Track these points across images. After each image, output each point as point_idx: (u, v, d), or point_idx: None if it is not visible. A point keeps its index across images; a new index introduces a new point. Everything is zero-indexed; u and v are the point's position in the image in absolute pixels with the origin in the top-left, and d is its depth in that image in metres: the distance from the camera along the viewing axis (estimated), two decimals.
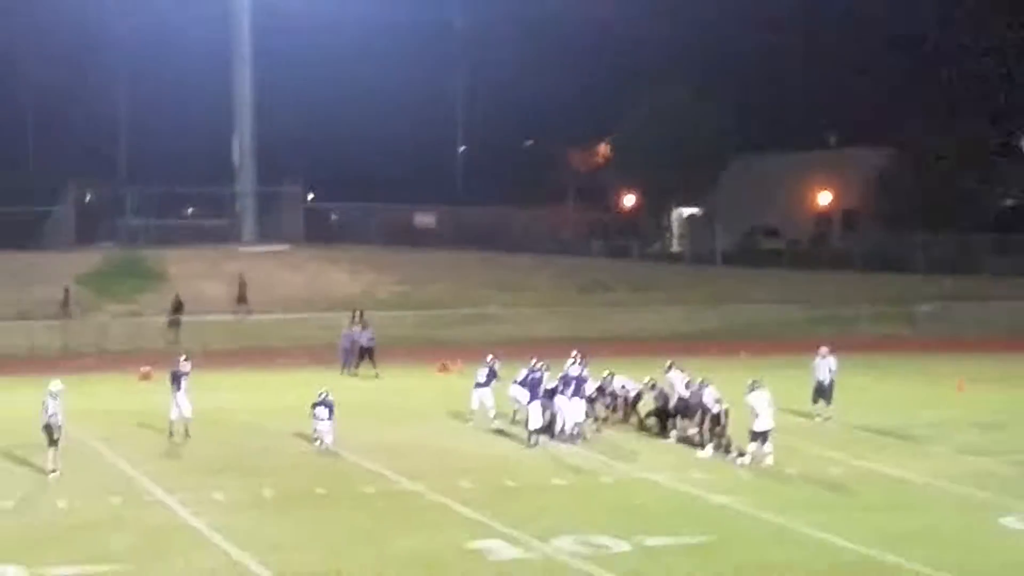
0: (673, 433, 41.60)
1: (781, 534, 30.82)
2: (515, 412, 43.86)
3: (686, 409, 41.03)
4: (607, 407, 44.83)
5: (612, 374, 45.72)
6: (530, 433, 41.04)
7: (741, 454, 38.34)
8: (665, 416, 42.25)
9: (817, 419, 45.22)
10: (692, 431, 40.65)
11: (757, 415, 37.77)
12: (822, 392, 45.74)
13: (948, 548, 29.14)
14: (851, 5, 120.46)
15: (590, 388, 43.76)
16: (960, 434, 43.19)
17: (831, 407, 45.54)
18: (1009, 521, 31.70)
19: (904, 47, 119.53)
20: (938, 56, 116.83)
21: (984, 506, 33.28)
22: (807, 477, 36.72)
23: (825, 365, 45.88)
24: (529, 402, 41.57)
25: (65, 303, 75.20)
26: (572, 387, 42.41)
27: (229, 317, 74.71)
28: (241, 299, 77.12)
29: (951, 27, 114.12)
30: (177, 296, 74.02)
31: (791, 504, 33.48)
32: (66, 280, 77.78)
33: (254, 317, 74.57)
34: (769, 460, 37.75)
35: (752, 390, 38.26)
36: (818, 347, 47.29)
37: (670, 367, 43.32)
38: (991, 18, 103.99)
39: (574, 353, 46.13)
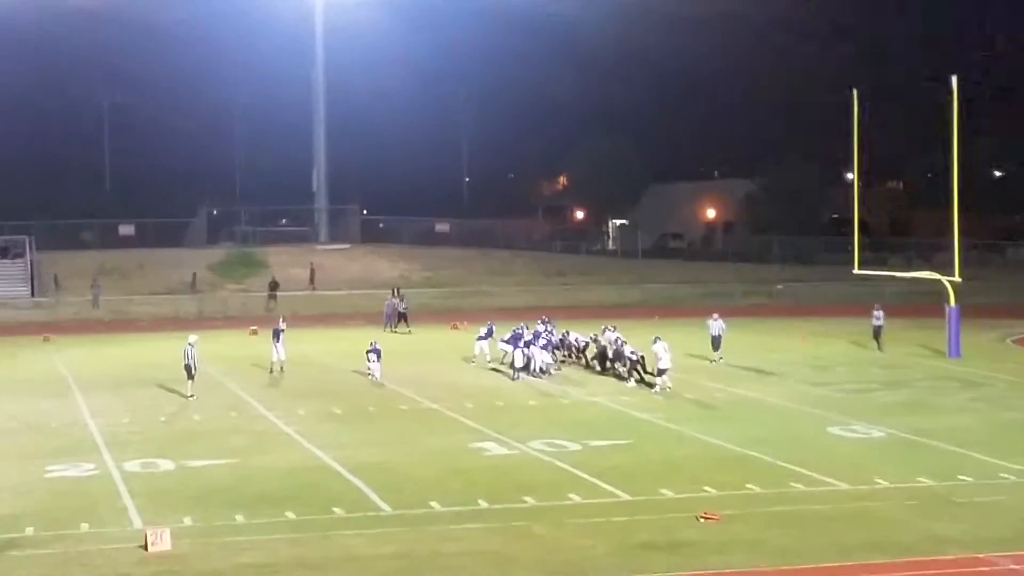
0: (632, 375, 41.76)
1: (681, 438, 30.98)
2: (503, 357, 43.90)
3: (618, 356, 41.19)
4: (565, 353, 45.02)
5: (568, 331, 45.93)
6: (514, 371, 41.17)
7: (651, 386, 38.48)
8: (604, 360, 42.35)
9: (712, 362, 45.20)
10: (622, 370, 40.75)
11: (660, 358, 37.94)
12: (715, 343, 45.76)
13: (792, 447, 29.28)
14: (730, 84, 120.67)
15: (554, 340, 44.09)
16: (801, 371, 43.21)
17: (720, 353, 45.61)
18: (834, 430, 31.84)
19: (766, 112, 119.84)
20: (791, 115, 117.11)
21: (817, 419, 33.39)
22: (699, 400, 36.82)
23: (717, 325, 45.75)
24: (513, 350, 41.82)
25: (193, 283, 75.22)
26: (542, 339, 42.69)
27: (307, 292, 74.74)
28: (311, 280, 77.16)
29: (805, 94, 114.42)
30: (273, 278, 73.86)
31: (688, 418, 33.63)
32: (197, 268, 77.78)
33: (321, 292, 74.39)
34: (669, 385, 37.84)
35: (655, 342, 38.47)
36: (711, 313, 47.42)
37: (604, 330, 43.42)
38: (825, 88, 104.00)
39: (543, 318, 46.36)
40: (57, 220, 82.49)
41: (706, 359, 45.43)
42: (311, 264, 78.75)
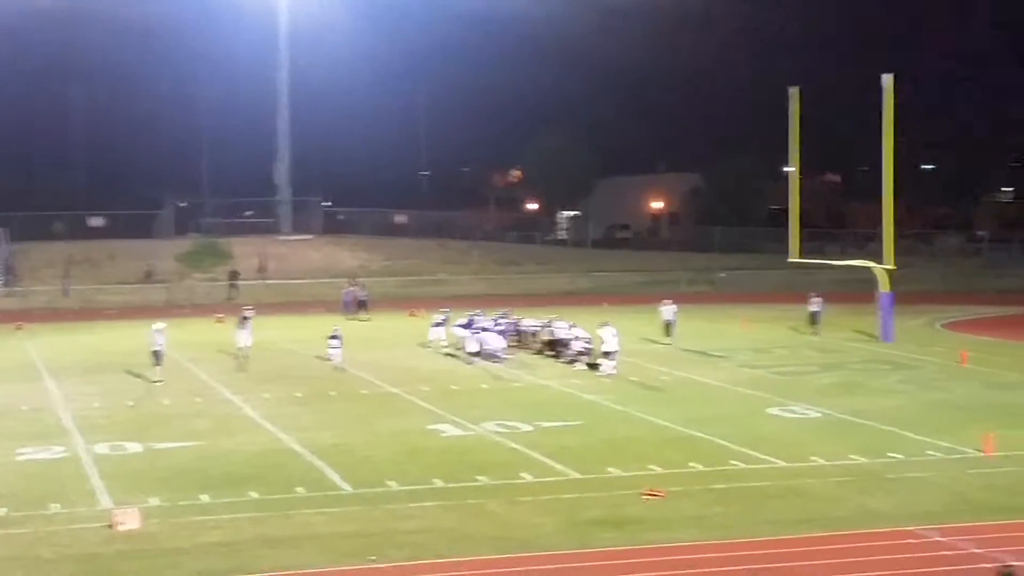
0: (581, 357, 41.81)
1: (628, 418, 31.05)
2: (458, 343, 43.90)
3: (567, 341, 41.19)
4: (518, 339, 44.91)
5: (520, 318, 45.90)
6: (469, 355, 41.14)
7: (595, 367, 38.59)
8: (555, 346, 42.32)
9: (666, 345, 45.33)
10: (571, 355, 40.71)
11: (606, 342, 38.10)
12: (667, 328, 45.90)
13: (733, 427, 29.42)
14: (676, 82, 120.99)
15: (508, 327, 44.09)
16: (742, 355, 43.42)
17: (672, 338, 45.69)
18: (772, 410, 32.03)
19: (710, 109, 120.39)
20: (733, 112, 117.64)
21: (756, 400, 33.57)
22: (645, 383, 36.89)
23: (669, 310, 46.01)
24: (469, 336, 41.87)
25: (149, 274, 74.63)
26: (497, 326, 42.75)
27: (275, 281, 74.13)
28: (259, 270, 76.10)
29: (746, 91, 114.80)
30: (233, 268, 73.45)
31: (634, 399, 33.70)
32: (164, 259, 77.25)
33: (281, 281, 73.74)
34: (614, 370, 37.89)
35: (601, 327, 38.69)
36: (662, 299, 47.73)
37: (553, 320, 43.42)
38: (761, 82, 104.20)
39: (504, 310, 46.27)
40: (30, 212, 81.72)
41: (654, 343, 45.63)
42: (259, 256, 78.00)
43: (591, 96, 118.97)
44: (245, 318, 42.49)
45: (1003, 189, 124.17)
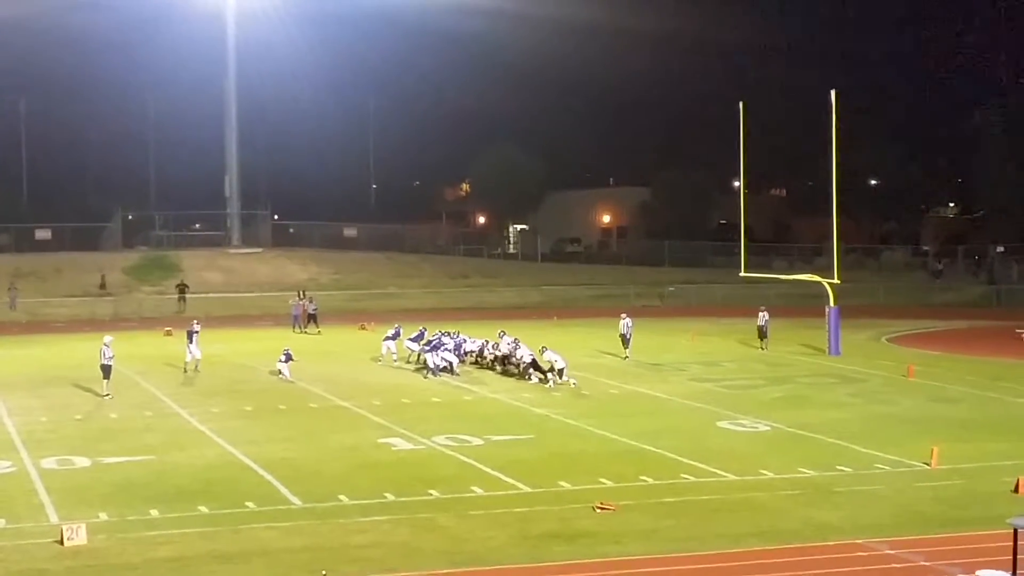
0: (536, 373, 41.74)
1: (578, 432, 31.05)
2: (409, 356, 43.85)
3: (516, 360, 41.10)
4: (470, 355, 44.64)
5: (459, 335, 45.55)
6: (425, 371, 41.05)
7: (544, 380, 38.68)
8: (504, 361, 42.15)
9: (618, 359, 45.52)
10: (520, 370, 40.61)
11: (554, 360, 38.39)
12: (624, 341, 46.08)
13: (683, 440, 29.50)
14: (624, 96, 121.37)
15: (460, 343, 43.94)
16: (691, 368, 43.60)
17: (630, 351, 45.91)
18: (722, 423, 32.14)
19: (658, 124, 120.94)
20: (681, 126, 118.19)
21: (706, 414, 33.67)
22: (595, 397, 36.95)
23: (625, 324, 46.21)
24: (420, 350, 41.94)
25: (102, 284, 74.00)
26: (450, 341, 42.66)
27: (224, 294, 73.61)
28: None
29: (694, 106, 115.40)
30: (181, 281, 73.01)
31: (585, 413, 33.71)
32: (112, 271, 76.63)
33: (229, 294, 73.39)
34: (574, 381, 38.11)
35: (543, 351, 39.31)
36: (620, 313, 47.98)
37: (501, 334, 43.33)
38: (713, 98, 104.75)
39: (459, 332, 45.98)
40: None
41: (607, 355, 45.81)
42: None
43: (540, 110, 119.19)
44: (192, 331, 42.35)
45: (949, 204, 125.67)
